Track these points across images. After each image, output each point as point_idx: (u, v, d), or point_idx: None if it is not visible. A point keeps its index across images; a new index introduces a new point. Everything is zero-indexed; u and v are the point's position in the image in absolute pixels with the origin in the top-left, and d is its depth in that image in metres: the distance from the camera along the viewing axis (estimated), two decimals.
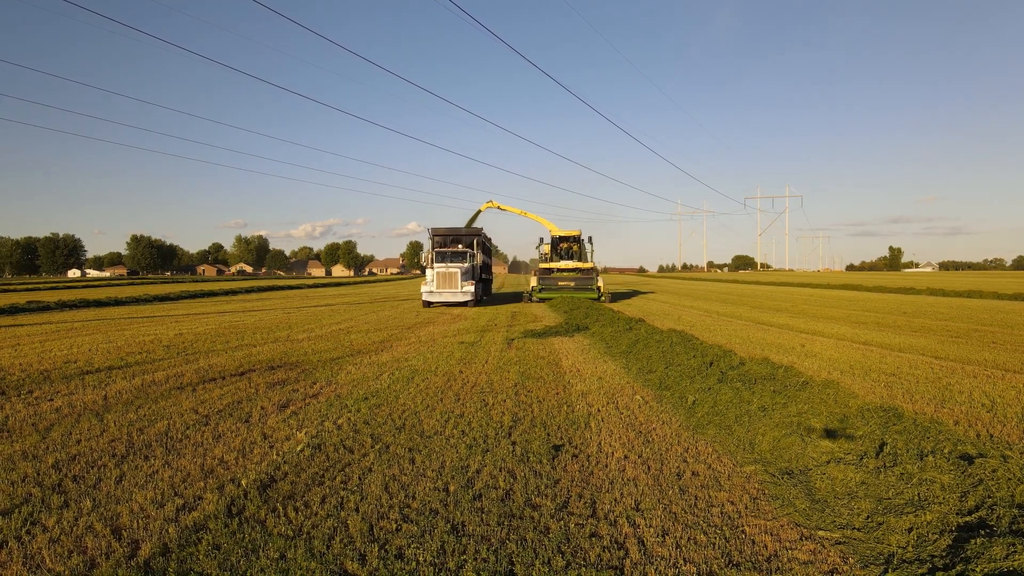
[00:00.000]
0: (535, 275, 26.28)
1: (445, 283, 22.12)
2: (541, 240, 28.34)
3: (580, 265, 26.45)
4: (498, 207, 31.36)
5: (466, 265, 23.11)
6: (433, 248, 25.57)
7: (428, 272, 22.83)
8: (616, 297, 30.19)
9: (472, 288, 22.28)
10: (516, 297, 30.48)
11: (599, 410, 6.50)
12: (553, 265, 26.52)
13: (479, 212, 31.88)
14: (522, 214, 31.06)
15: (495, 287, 48.92)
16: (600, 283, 25.19)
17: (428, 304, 22.88)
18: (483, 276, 27.08)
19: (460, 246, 25.69)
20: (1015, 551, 2.66)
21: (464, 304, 23.07)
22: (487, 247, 29.96)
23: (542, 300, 25.33)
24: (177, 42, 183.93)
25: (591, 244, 28.00)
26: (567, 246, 27.97)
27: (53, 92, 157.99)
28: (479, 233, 26.83)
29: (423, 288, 22.66)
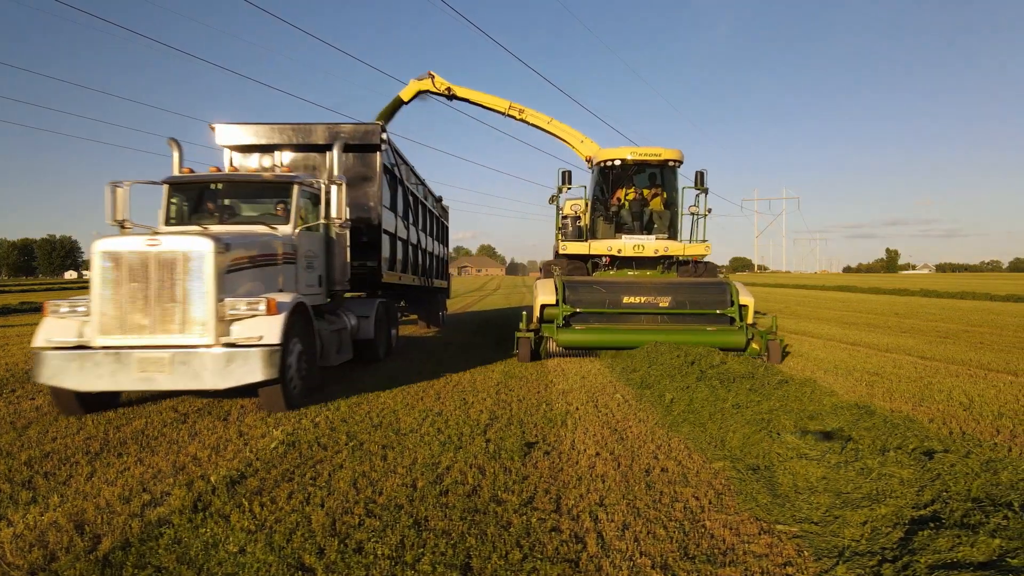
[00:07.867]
0: (552, 278, 9.83)
1: (132, 305, 5.58)
2: (563, 179, 11.01)
3: (676, 248, 10.86)
4: (449, 90, 13.65)
5: (286, 230, 6.95)
6: (174, 186, 7.26)
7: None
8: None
9: (275, 326, 5.71)
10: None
11: (577, 408, 6.52)
12: (600, 246, 10.81)
13: (399, 103, 14.04)
14: (504, 111, 13.61)
15: (486, 296, 35.68)
16: (746, 299, 9.49)
17: (76, 401, 5.87)
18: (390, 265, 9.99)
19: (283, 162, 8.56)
20: (960, 543, 2.69)
21: (218, 394, 6.39)
22: (414, 184, 11.76)
23: (571, 348, 9.44)
24: (176, 45, 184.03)
25: (703, 190, 11.07)
26: (637, 196, 11.09)
27: (51, 93, 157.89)
28: (377, 132, 8.84)
29: (39, 333, 5.72)
